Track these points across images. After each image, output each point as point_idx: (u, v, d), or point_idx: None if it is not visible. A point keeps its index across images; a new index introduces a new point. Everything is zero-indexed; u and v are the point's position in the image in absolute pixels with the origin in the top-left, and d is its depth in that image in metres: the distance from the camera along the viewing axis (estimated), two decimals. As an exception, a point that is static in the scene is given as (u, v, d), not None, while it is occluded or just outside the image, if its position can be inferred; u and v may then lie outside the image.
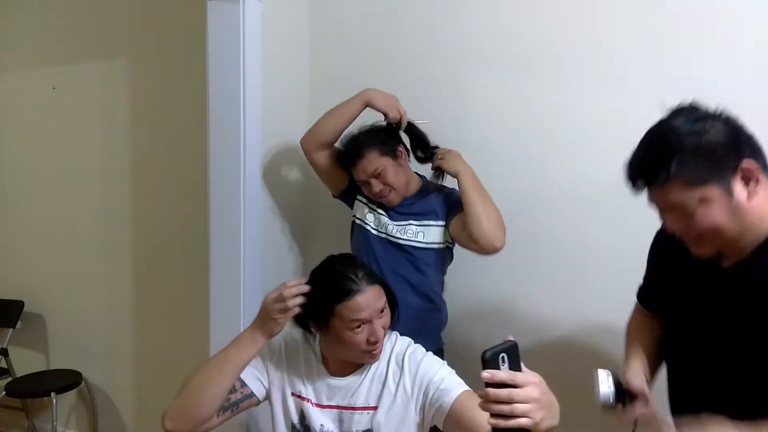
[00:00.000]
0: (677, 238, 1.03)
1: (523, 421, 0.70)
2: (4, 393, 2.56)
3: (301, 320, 1.26)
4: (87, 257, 2.72)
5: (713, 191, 0.94)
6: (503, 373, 0.71)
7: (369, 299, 1.17)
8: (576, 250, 1.76)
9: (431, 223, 1.64)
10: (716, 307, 1.04)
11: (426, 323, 1.63)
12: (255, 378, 1.27)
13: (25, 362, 2.84)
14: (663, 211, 1.03)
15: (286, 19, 1.96)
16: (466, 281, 1.89)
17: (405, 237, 1.64)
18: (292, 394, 1.27)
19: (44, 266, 2.85)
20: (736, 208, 0.95)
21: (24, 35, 2.84)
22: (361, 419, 1.21)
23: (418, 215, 1.65)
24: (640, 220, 1.65)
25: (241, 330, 1.66)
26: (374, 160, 1.59)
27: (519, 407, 0.70)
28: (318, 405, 1.25)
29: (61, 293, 2.81)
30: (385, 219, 1.66)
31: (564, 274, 1.78)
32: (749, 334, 0.99)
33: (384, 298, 1.21)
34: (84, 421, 2.80)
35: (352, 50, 2.03)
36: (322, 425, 1.23)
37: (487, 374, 0.70)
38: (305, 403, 1.25)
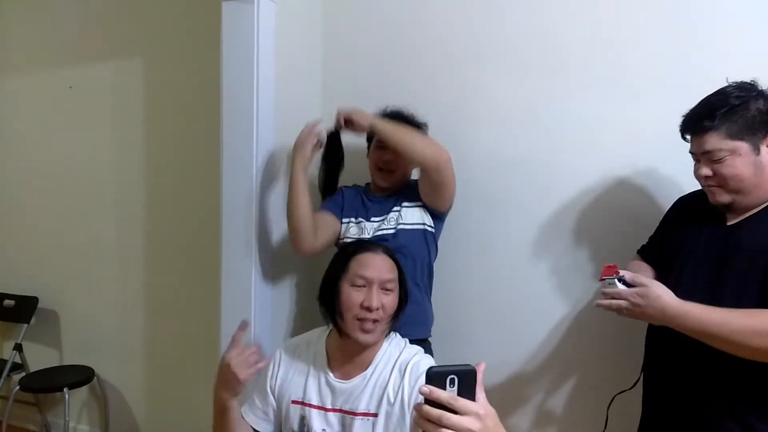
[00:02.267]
0: (701, 187, 1.26)
1: None
2: (18, 388, 2.59)
3: (325, 300, 1.28)
4: (100, 255, 2.75)
5: (744, 147, 1.16)
6: (443, 394, 0.67)
7: (378, 262, 1.25)
8: (585, 250, 1.76)
9: (407, 204, 1.70)
10: (713, 261, 1.21)
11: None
12: (262, 420, 1.30)
13: (39, 358, 2.88)
14: (698, 157, 1.23)
15: (299, 20, 1.97)
16: (471, 282, 1.90)
17: (386, 227, 1.68)
18: (292, 402, 1.27)
19: (58, 263, 2.89)
20: (758, 165, 1.17)
21: (41, 36, 2.88)
22: (362, 425, 1.21)
23: (396, 201, 1.72)
24: (645, 219, 1.67)
25: (252, 329, 1.71)
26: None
27: None
28: (322, 408, 1.24)
29: (74, 290, 2.85)
30: (364, 222, 1.72)
31: (575, 275, 1.78)
32: (740, 286, 1.15)
33: (395, 276, 1.26)
34: (96, 416, 2.83)
35: (364, 51, 2.04)
36: (324, 430, 1.23)
37: (426, 389, 0.68)
38: (306, 408, 1.25)
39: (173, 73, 2.50)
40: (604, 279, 1.19)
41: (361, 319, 1.20)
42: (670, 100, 1.62)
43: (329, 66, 2.10)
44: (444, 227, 1.79)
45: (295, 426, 1.25)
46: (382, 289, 1.23)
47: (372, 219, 1.72)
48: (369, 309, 1.20)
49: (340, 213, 1.77)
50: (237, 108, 1.75)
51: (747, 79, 1.21)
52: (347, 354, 1.25)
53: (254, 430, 1.29)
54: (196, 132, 2.40)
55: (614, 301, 1.15)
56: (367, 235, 1.69)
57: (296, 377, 1.28)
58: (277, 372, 1.31)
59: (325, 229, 1.71)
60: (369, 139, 1.80)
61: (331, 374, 1.25)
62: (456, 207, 1.77)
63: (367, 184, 1.86)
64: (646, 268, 1.41)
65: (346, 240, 1.73)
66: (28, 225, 2.98)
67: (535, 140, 1.81)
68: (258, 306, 1.76)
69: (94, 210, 2.76)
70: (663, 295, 1.10)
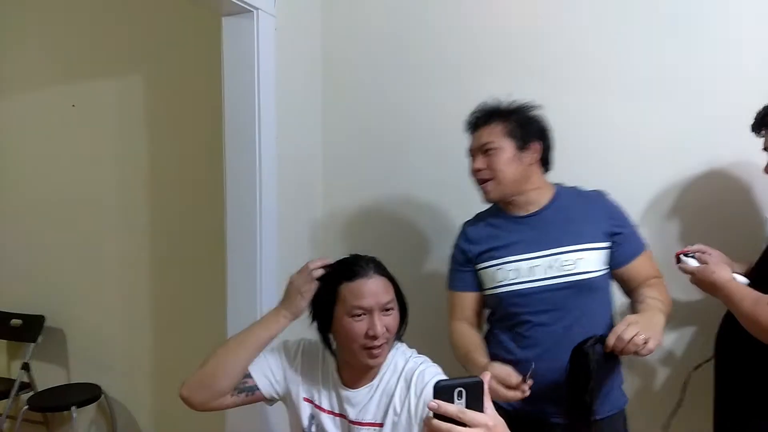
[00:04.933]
0: None
1: None
2: (26, 407, 2.58)
3: (321, 326, 1.26)
4: (105, 272, 2.75)
5: None
6: (452, 407, 0.68)
7: (372, 287, 1.17)
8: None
9: (589, 246, 1.38)
10: None
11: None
12: (264, 375, 1.27)
13: (47, 376, 2.87)
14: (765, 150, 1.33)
15: (299, 33, 1.98)
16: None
17: (565, 269, 1.36)
18: (305, 399, 1.27)
19: (64, 281, 2.88)
20: None
21: (44, 53, 2.90)
22: None
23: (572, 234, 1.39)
24: (651, 223, 1.65)
25: None
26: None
27: None
28: (330, 413, 1.24)
29: (80, 308, 2.84)
30: (524, 263, 1.40)
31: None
32: None
33: (392, 296, 1.20)
34: (104, 434, 2.82)
35: (364, 61, 2.05)
36: None
37: (434, 404, 0.68)
38: (316, 409, 1.25)
39: (175, 89, 2.51)
40: (679, 256, 1.36)
41: (368, 348, 1.16)
42: (674, 104, 1.63)
43: (329, 77, 2.11)
44: (445, 234, 1.78)
45: (305, 422, 1.25)
46: (382, 311, 1.17)
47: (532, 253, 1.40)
48: (375, 337, 1.15)
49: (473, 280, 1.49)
50: (239, 122, 1.76)
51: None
52: (355, 364, 1.24)
53: (249, 375, 1.25)
54: (199, 147, 2.40)
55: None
56: (527, 281, 1.39)
57: (311, 375, 1.28)
58: (300, 360, 1.30)
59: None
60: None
61: (339, 380, 1.25)
62: (456, 212, 1.76)
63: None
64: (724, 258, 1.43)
65: (490, 292, 1.45)
66: (32, 243, 2.98)
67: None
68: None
69: (98, 227, 2.76)
70: (717, 270, 1.26)
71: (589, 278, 1.36)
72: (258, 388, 1.26)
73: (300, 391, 1.27)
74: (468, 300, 1.50)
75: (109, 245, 2.73)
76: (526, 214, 1.43)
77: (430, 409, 0.68)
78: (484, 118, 1.45)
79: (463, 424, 0.68)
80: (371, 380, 1.23)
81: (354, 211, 2.08)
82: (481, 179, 1.42)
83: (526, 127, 1.42)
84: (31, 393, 2.78)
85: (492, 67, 1.86)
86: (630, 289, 1.43)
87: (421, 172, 1.97)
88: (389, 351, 1.23)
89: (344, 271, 1.21)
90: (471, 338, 1.44)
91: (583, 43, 1.74)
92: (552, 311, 1.36)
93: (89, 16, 2.72)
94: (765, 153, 1.31)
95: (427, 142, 1.95)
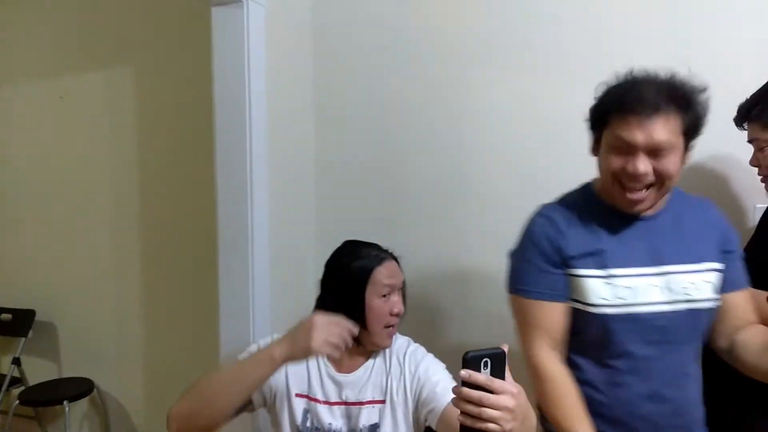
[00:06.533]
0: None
1: (491, 427, 0.72)
2: (17, 402, 2.57)
3: (351, 313, 1.23)
4: (96, 265, 2.74)
5: None
6: (481, 376, 0.72)
7: (393, 269, 1.29)
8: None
9: (708, 266, 1.13)
10: None
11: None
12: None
13: (38, 371, 2.86)
14: (750, 143, 1.31)
15: (289, 24, 1.96)
16: (472, 284, 1.89)
17: (684, 293, 1.10)
18: (297, 395, 1.27)
19: (54, 275, 2.87)
20: None
21: (31, 45, 2.86)
22: (369, 413, 1.23)
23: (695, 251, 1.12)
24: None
25: (251, 337, 1.69)
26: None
27: (488, 412, 0.71)
28: (326, 403, 1.25)
29: (71, 302, 2.83)
30: (640, 280, 1.09)
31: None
32: None
33: (403, 277, 1.31)
34: (96, 428, 2.81)
35: (356, 52, 2.03)
36: (330, 423, 1.24)
37: (465, 373, 0.72)
38: (311, 402, 1.25)
39: (164, 80, 2.48)
40: None
41: (389, 326, 1.26)
42: None
43: (320, 68, 2.09)
44: (444, 228, 1.78)
45: (299, 419, 1.25)
46: (398, 291, 1.30)
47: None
48: (398, 315, 1.27)
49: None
50: (229, 112, 1.74)
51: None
52: (368, 344, 1.28)
53: None
54: (189, 138, 2.38)
55: None
56: (627, 305, 1.09)
57: (297, 370, 1.28)
58: None
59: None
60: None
61: (332, 368, 1.27)
62: (455, 208, 1.76)
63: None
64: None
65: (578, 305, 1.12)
66: (22, 237, 2.96)
67: (537, 141, 1.80)
68: (256, 313, 1.74)
69: (88, 221, 2.74)
70: None
71: (707, 307, 1.10)
72: (251, 402, 1.27)
73: (291, 389, 1.27)
74: (558, 314, 1.11)
75: (99, 238, 2.72)
76: (639, 216, 1.12)
77: (462, 377, 0.72)
78: (655, 103, 1.01)
79: (490, 392, 0.72)
80: (365, 361, 1.28)
81: (347, 204, 2.08)
82: (640, 186, 1.06)
83: (700, 123, 1.07)
84: (22, 388, 2.76)
85: (489, 55, 1.85)
86: (720, 328, 1.15)
87: (417, 165, 1.96)
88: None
89: (372, 259, 1.27)
90: (571, 398, 1.08)
91: (583, 37, 1.73)
92: (661, 344, 1.09)
93: (77, 7, 2.68)
94: (749, 145, 1.31)
95: (424, 134, 1.94)
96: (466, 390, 0.72)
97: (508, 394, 0.72)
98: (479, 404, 0.71)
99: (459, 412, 0.73)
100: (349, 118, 2.06)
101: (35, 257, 2.92)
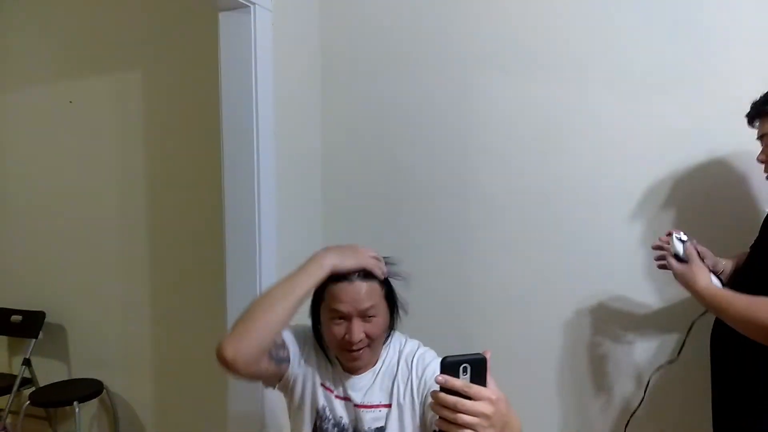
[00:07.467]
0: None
1: None
2: (28, 402, 2.59)
3: (313, 320, 1.26)
4: (105, 268, 2.76)
5: None
6: (458, 382, 0.72)
7: (352, 293, 1.15)
8: (592, 251, 1.76)
9: None
10: None
11: None
12: (293, 352, 1.25)
13: (48, 372, 2.88)
14: (760, 139, 1.31)
15: (296, 28, 1.98)
16: (486, 283, 1.90)
17: None
18: (322, 385, 1.27)
19: (64, 277, 2.89)
20: None
21: (40, 50, 2.89)
22: (375, 417, 1.23)
23: None
24: (655, 222, 1.66)
25: None
26: None
27: (463, 417, 0.71)
28: (337, 397, 1.26)
29: (81, 304, 2.85)
30: None
31: (583, 278, 1.77)
32: None
33: (374, 301, 1.17)
34: (106, 428, 2.83)
35: (363, 58, 2.04)
36: (341, 417, 1.25)
37: (441, 378, 0.72)
38: (329, 394, 1.26)
39: (172, 85, 2.51)
40: (671, 234, 1.32)
41: (344, 349, 1.18)
42: (683, 102, 1.63)
43: (328, 72, 2.10)
44: (447, 232, 1.78)
45: (320, 405, 1.25)
46: (362, 318, 1.16)
47: None
48: (351, 343, 1.15)
49: None
50: (237, 117, 1.76)
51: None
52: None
53: (285, 344, 1.23)
54: (197, 143, 2.40)
55: (666, 261, 1.32)
56: None
57: (318, 360, 1.28)
58: (308, 347, 1.29)
59: None
60: None
61: (341, 367, 1.27)
62: (458, 210, 1.77)
63: None
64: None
65: None
66: (32, 239, 2.99)
67: (540, 143, 1.80)
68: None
69: (97, 223, 2.77)
70: (699, 281, 1.24)
71: None
72: (288, 360, 1.23)
73: (317, 377, 1.27)
74: None
75: (108, 241, 2.74)
76: None
77: (437, 382, 0.72)
78: None
79: (468, 398, 0.71)
80: (373, 365, 1.26)
81: (353, 206, 2.09)
82: None
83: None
84: (32, 389, 2.79)
85: (492, 59, 1.86)
86: None
87: (424, 170, 1.97)
88: (378, 351, 1.25)
89: (330, 277, 1.16)
90: None
91: (588, 42, 1.74)
92: None
93: (87, 12, 2.71)
94: (758, 142, 1.32)
95: (431, 139, 1.94)
96: (442, 395, 0.72)
97: (485, 401, 0.72)
98: (454, 409, 0.71)
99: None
100: (357, 122, 2.07)
101: (45, 260, 2.95)
